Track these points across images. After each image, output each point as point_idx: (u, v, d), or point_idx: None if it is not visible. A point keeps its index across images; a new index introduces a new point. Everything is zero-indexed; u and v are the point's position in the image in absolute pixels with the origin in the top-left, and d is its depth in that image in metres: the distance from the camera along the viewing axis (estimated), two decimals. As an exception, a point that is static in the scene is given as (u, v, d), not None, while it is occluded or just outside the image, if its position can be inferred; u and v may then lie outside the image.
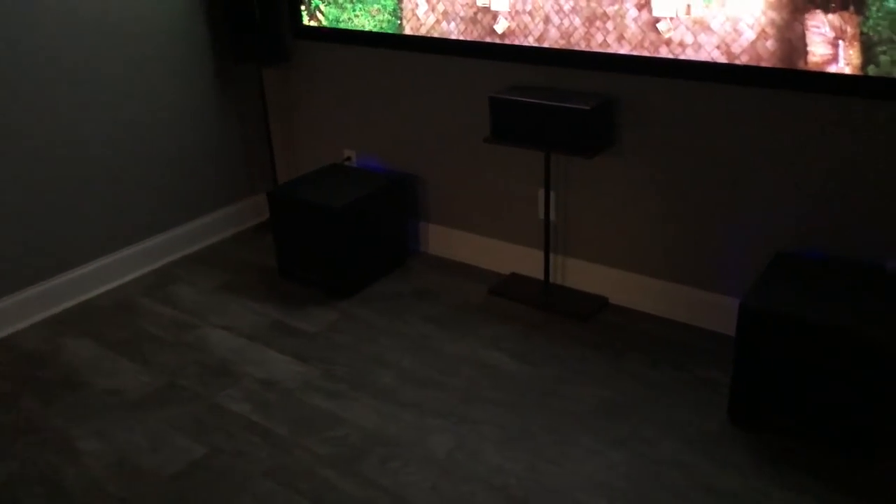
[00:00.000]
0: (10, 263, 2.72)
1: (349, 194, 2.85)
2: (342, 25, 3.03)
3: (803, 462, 1.98)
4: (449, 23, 2.72)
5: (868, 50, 2.01)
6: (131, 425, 2.25)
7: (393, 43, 2.92)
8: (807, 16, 2.07)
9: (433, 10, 2.72)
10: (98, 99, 2.87)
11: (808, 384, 1.98)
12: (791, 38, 2.11)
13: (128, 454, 2.13)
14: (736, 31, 2.19)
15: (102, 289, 3.01)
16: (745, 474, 1.95)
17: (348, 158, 3.29)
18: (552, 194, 2.77)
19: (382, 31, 2.92)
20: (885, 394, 1.96)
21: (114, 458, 2.12)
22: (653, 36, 2.33)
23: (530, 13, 2.54)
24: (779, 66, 2.16)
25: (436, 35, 2.78)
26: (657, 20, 2.30)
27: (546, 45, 2.55)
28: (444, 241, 3.15)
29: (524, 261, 2.94)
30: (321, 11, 3.07)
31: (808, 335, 1.94)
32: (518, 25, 2.58)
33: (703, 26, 2.23)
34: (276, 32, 3.16)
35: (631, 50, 2.38)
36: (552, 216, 2.80)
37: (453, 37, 2.74)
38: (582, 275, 2.81)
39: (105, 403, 2.35)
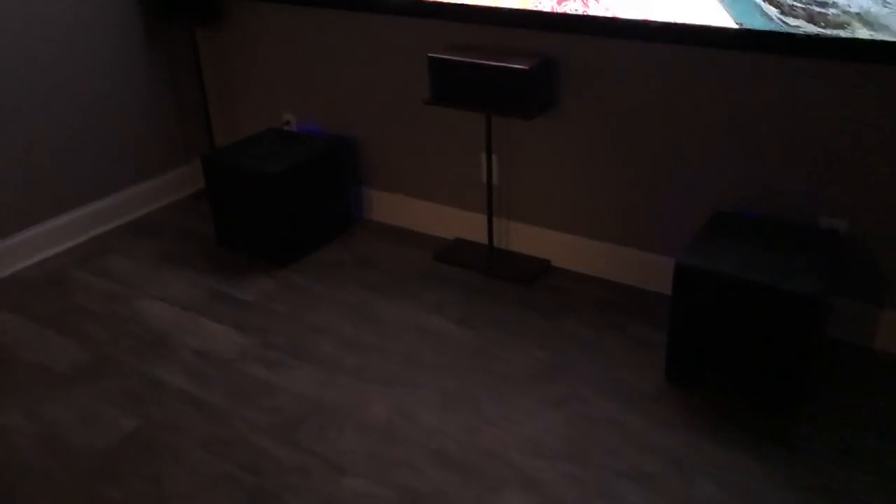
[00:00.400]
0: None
1: (287, 159, 2.78)
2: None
3: (736, 417, 2.02)
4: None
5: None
6: (60, 400, 2.18)
7: (330, 1, 2.83)
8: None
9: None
10: (23, 61, 2.72)
11: (740, 341, 2.01)
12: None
13: (56, 430, 2.07)
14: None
15: (31, 260, 2.89)
16: (679, 431, 1.98)
17: (287, 122, 3.20)
18: (495, 158, 2.74)
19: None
20: (813, 349, 2.00)
21: (41, 434, 2.05)
22: None
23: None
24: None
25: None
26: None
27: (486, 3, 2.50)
28: (387, 206, 3.10)
29: (468, 225, 2.92)
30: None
31: (740, 293, 1.96)
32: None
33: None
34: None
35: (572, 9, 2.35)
36: (495, 180, 2.77)
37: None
38: (525, 238, 2.80)
39: (33, 379, 2.27)
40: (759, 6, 2.07)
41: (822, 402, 2.06)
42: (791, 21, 2.04)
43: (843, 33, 1.97)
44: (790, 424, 1.99)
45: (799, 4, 2.01)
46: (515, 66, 2.37)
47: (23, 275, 2.83)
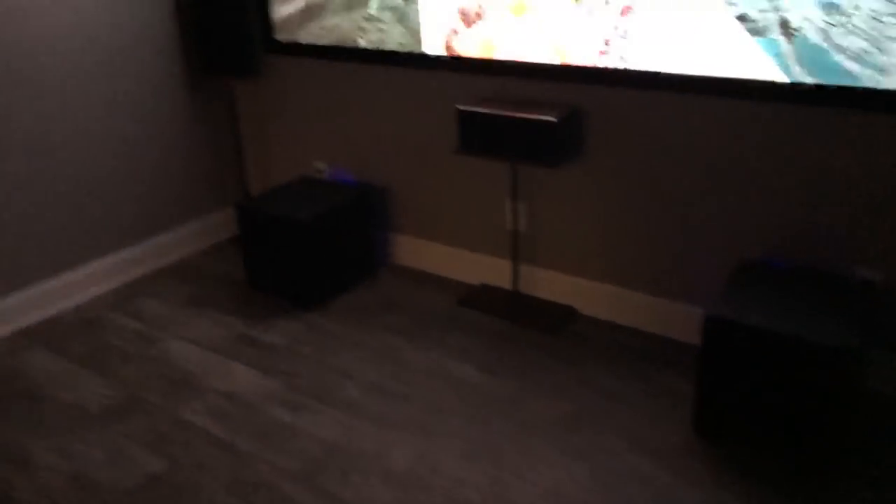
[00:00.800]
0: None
1: (318, 206, 2.84)
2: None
3: (769, 475, 1.97)
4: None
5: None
6: (90, 439, 2.21)
7: (362, 57, 2.92)
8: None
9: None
10: (64, 108, 2.85)
11: (772, 396, 1.97)
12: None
13: (84, 468, 2.10)
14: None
15: (68, 302, 2.97)
16: (708, 488, 1.94)
17: (320, 170, 3.28)
18: (521, 204, 2.77)
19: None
20: (850, 404, 1.95)
21: (70, 471, 2.09)
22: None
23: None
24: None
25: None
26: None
27: (513, 58, 2.57)
28: (414, 251, 3.14)
29: (494, 271, 2.93)
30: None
31: (772, 346, 1.93)
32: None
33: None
34: (247, 46, 3.16)
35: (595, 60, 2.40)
36: (521, 226, 2.79)
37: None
38: (551, 285, 2.80)
39: (65, 417, 2.32)
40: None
41: (859, 458, 2.00)
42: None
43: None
44: (826, 482, 1.93)
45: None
46: (543, 117, 2.41)
47: (61, 316, 2.91)
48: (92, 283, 3.05)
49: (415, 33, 2.74)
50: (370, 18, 2.83)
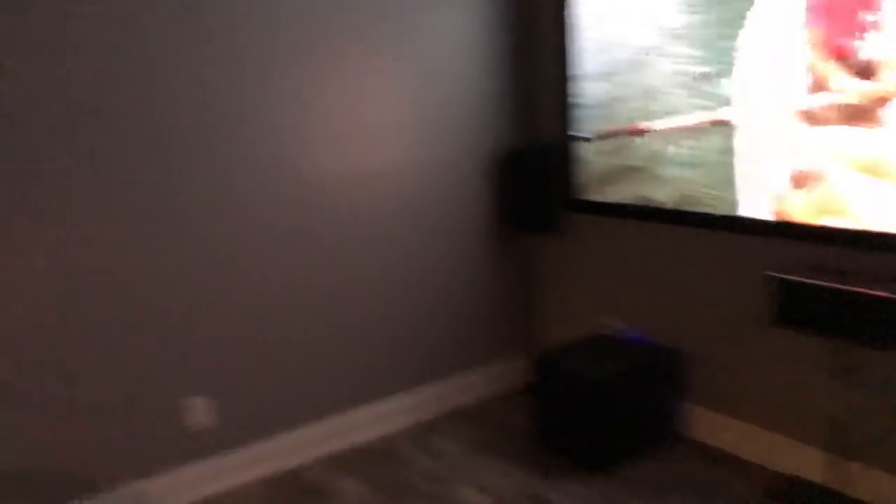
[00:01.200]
0: (299, 399, 3.04)
1: (615, 366, 2.81)
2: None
3: None
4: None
5: None
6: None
7: (664, 217, 2.94)
8: None
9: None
10: (376, 250, 3.18)
11: None
12: None
13: None
14: None
15: (373, 432, 3.23)
16: None
17: (612, 327, 3.28)
18: (843, 387, 2.46)
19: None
20: None
21: None
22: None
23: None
24: None
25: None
26: None
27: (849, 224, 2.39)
28: (711, 426, 2.92)
29: (806, 461, 2.60)
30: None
31: None
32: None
33: None
34: (550, 206, 3.37)
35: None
36: (843, 413, 2.47)
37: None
38: (880, 489, 2.40)
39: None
40: None
41: None
42: None
43: None
44: None
45: None
46: (886, 294, 2.16)
47: (365, 444, 3.17)
48: (394, 416, 3.29)
49: (729, 192, 2.69)
50: (673, 175, 2.86)
